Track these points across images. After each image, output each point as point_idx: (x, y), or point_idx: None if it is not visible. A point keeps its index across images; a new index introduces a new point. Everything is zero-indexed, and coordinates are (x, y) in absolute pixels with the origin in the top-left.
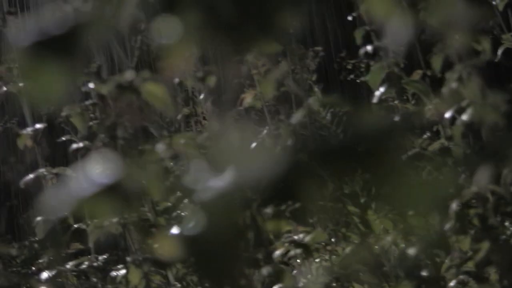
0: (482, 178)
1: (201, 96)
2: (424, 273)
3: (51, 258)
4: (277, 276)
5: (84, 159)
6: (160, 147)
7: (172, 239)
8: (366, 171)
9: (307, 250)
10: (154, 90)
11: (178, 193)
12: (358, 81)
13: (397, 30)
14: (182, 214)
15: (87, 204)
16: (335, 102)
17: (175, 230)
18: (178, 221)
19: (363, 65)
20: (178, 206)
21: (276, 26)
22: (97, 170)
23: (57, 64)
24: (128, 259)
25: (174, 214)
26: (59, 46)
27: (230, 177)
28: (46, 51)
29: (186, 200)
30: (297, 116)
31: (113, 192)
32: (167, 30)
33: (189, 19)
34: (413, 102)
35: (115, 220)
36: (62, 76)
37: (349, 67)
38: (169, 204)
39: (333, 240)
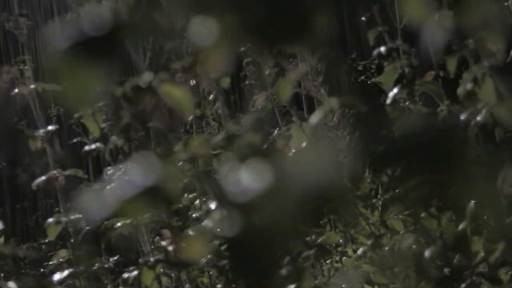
0: (507, 179)
1: (211, 97)
2: (438, 274)
3: (82, 259)
4: (296, 276)
5: (123, 161)
6: (178, 148)
7: (202, 240)
8: (439, 172)
9: (321, 251)
10: (173, 92)
11: (190, 195)
12: (369, 82)
13: (434, 32)
14: (194, 215)
15: (128, 206)
16: (349, 103)
17: (199, 231)
18: (191, 222)
19: (374, 66)
20: (191, 208)
21: (310, 27)
22: (136, 172)
23: (95, 66)
24: (141, 260)
25: (188, 215)
26: (98, 48)
27: (270, 180)
28: (85, 52)
29: (220, 202)
30: (315, 117)
31: (152, 194)
32: (203, 31)
33: (223, 20)
34: (420, 103)
35: (127, 221)
36: (100, 77)
37: (360, 68)
38: (181, 205)
39: (342, 241)
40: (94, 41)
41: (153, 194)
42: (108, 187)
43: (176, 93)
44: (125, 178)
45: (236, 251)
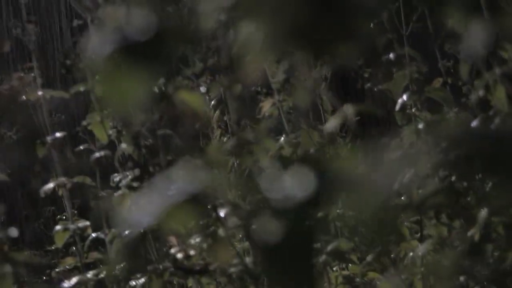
0: None
1: (212, 103)
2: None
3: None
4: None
5: (169, 168)
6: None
7: (230, 246)
8: None
9: (332, 258)
10: (189, 99)
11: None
12: (375, 89)
13: (475, 38)
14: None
15: (172, 213)
16: (364, 110)
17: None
18: (198, 229)
19: (381, 73)
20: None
21: (354, 31)
22: (180, 179)
23: (141, 70)
24: (149, 268)
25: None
26: (144, 52)
27: (311, 186)
28: (130, 57)
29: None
30: (331, 124)
31: (197, 201)
32: (246, 36)
33: (266, 25)
34: (422, 110)
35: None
36: (144, 82)
37: (366, 75)
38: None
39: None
40: (139, 46)
41: (199, 201)
42: (152, 194)
43: (191, 100)
44: (170, 184)
45: (274, 258)
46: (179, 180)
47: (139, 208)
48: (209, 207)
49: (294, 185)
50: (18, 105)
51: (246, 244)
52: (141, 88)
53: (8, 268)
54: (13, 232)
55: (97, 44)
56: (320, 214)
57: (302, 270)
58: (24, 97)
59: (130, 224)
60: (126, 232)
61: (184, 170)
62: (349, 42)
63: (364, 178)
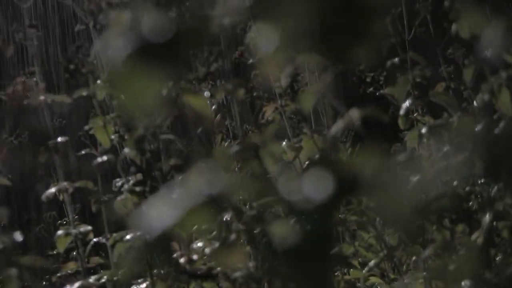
0: None
1: (213, 108)
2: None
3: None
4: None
5: (184, 172)
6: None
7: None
8: None
9: (338, 263)
10: (194, 102)
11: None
12: (377, 94)
13: (482, 42)
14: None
15: (190, 216)
16: (371, 114)
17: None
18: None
19: (382, 78)
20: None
21: (370, 34)
22: (198, 181)
23: (158, 72)
24: (154, 272)
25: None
26: (162, 54)
27: (328, 189)
28: (146, 59)
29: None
30: (337, 128)
31: (215, 203)
32: (263, 38)
33: (283, 28)
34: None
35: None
36: (160, 84)
37: (368, 80)
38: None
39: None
40: (156, 47)
41: (217, 203)
42: (170, 196)
43: (196, 104)
44: (188, 187)
45: (291, 261)
46: (195, 183)
47: (156, 212)
48: (213, 210)
49: (312, 187)
50: (21, 110)
51: (248, 248)
52: (156, 90)
53: (13, 272)
54: (18, 236)
55: (113, 47)
56: (332, 217)
57: (319, 272)
58: (26, 101)
59: (147, 228)
60: (136, 236)
61: (198, 174)
62: (365, 43)
63: (381, 181)
